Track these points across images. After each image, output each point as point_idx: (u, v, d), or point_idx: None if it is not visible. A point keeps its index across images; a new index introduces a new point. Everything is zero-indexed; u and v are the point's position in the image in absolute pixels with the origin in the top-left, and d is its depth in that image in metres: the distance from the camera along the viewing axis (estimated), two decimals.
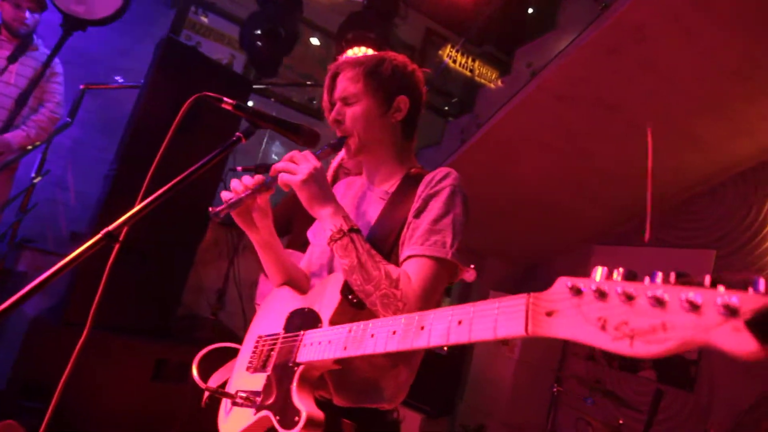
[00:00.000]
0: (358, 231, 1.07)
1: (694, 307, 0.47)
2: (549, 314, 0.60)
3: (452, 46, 5.03)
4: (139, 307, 2.77)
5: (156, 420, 2.64)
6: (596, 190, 3.82)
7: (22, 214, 3.00)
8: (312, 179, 1.08)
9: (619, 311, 0.52)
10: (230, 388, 1.23)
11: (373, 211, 1.22)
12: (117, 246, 1.02)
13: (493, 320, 0.67)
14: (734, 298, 0.44)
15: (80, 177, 3.78)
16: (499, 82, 3.85)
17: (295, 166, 1.10)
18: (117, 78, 3.63)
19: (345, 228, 1.06)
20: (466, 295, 5.06)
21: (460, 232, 1.10)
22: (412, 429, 3.75)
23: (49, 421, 0.96)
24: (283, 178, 1.09)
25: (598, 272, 0.57)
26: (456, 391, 4.22)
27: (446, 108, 5.58)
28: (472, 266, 2.49)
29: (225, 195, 1.17)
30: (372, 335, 0.88)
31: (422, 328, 0.78)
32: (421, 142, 4.58)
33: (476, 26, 4.67)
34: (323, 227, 1.11)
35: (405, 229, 1.13)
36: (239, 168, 2.57)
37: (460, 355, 4.14)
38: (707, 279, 0.48)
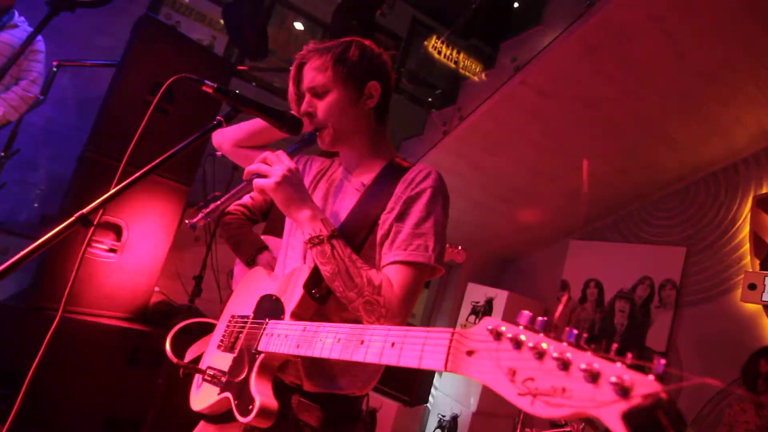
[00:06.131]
0: (338, 236, 1.04)
1: (593, 378, 0.46)
2: (469, 353, 0.61)
3: (438, 38, 5.01)
4: (113, 292, 2.71)
5: (130, 406, 2.61)
6: (573, 185, 3.89)
7: None
8: (286, 181, 1.04)
9: (528, 365, 0.53)
10: (203, 363, 1.25)
11: (348, 203, 1.19)
12: (92, 230, 1.00)
13: (420, 350, 0.69)
14: (628, 378, 0.43)
15: (52, 157, 3.66)
16: (483, 76, 3.85)
17: (268, 168, 1.06)
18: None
19: (324, 234, 1.03)
20: (444, 283, 5.11)
21: (442, 235, 1.09)
22: (389, 417, 3.79)
23: (20, 408, 0.94)
24: (257, 183, 1.05)
25: (522, 317, 0.57)
26: (432, 381, 4.28)
27: (429, 99, 5.57)
28: (460, 247, 2.54)
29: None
30: (321, 339, 0.89)
31: (362, 342, 0.80)
32: (403, 134, 4.59)
33: (463, 18, 4.66)
34: (301, 230, 1.08)
35: (382, 229, 1.10)
36: (219, 153, 2.52)
37: None
38: (614, 347, 0.47)
